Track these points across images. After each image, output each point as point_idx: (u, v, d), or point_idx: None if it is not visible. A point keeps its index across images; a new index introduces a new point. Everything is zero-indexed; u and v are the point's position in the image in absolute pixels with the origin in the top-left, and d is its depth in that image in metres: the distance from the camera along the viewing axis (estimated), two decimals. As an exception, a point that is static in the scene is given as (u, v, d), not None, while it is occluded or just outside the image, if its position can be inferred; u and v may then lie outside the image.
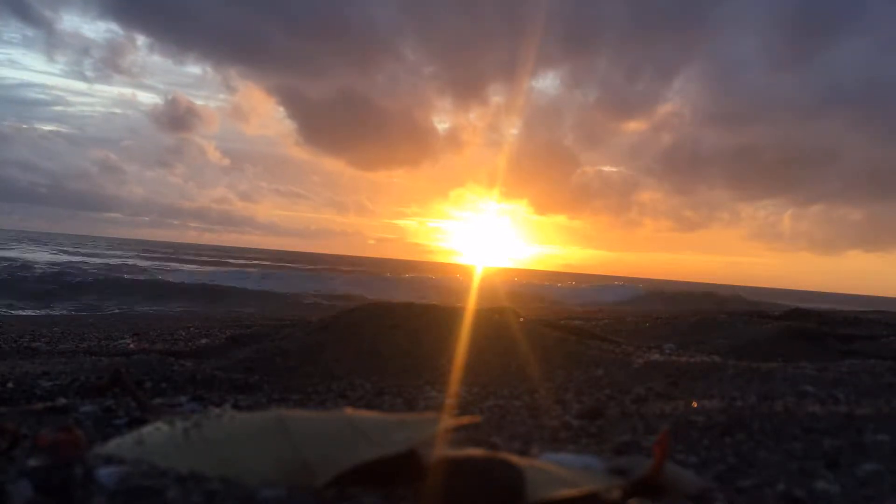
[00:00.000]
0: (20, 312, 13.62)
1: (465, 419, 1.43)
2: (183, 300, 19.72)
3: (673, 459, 1.52)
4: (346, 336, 3.49)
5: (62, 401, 2.23)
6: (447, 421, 1.27)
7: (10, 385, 2.46)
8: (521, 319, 3.85)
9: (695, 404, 2.09)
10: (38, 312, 13.69)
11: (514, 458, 1.20)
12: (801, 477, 1.45)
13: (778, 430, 1.83)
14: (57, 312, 13.80)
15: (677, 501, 1.25)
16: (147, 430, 1.34)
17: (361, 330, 3.55)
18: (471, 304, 4.02)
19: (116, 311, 15.07)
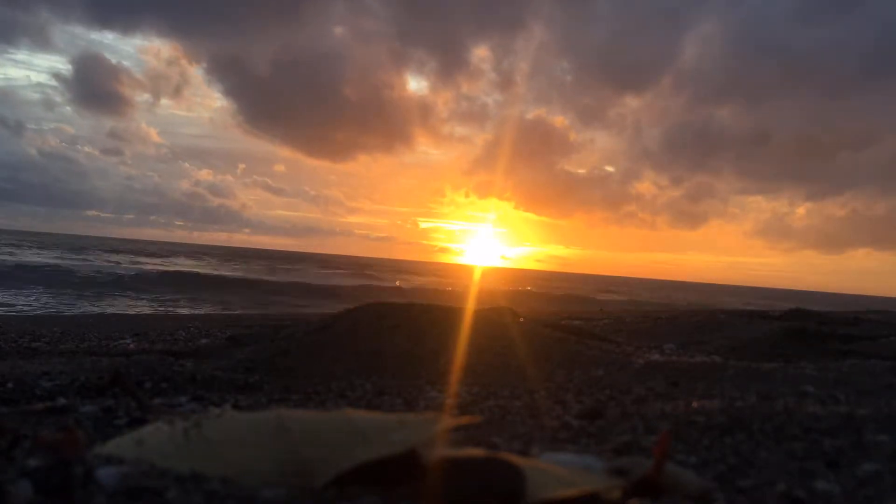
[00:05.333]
0: (25, 313, 13.63)
1: (465, 419, 1.43)
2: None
3: (673, 459, 1.52)
4: (346, 336, 3.49)
5: (62, 401, 2.23)
6: (447, 421, 1.27)
7: (10, 385, 2.46)
8: (521, 320, 3.85)
9: (695, 404, 2.09)
10: (40, 312, 13.70)
11: (514, 458, 1.20)
12: (801, 477, 1.45)
13: (778, 431, 1.83)
14: (59, 313, 13.81)
15: (677, 502, 1.25)
16: (147, 430, 1.34)
17: (361, 330, 3.55)
18: (470, 305, 4.02)
19: (116, 311, 15.07)
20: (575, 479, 1.20)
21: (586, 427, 1.93)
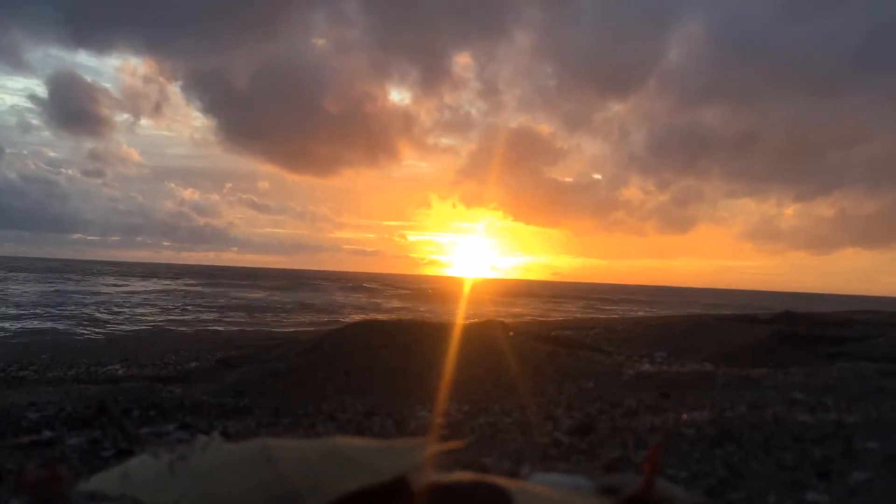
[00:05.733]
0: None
1: (452, 444, 1.42)
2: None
3: (663, 474, 1.52)
4: (336, 355, 3.47)
5: (48, 433, 2.21)
6: (434, 446, 1.26)
7: (-5, 418, 2.43)
8: (511, 333, 3.85)
9: (685, 416, 2.09)
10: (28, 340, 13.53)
11: (503, 482, 1.19)
12: (791, 488, 1.45)
13: (768, 441, 1.83)
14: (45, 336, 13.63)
15: (668, 519, 1.24)
16: (132, 463, 1.32)
17: (351, 349, 3.53)
18: (460, 319, 4.02)
19: (107, 332, 14.91)
20: (564, 501, 1.20)
21: (577, 443, 1.93)
